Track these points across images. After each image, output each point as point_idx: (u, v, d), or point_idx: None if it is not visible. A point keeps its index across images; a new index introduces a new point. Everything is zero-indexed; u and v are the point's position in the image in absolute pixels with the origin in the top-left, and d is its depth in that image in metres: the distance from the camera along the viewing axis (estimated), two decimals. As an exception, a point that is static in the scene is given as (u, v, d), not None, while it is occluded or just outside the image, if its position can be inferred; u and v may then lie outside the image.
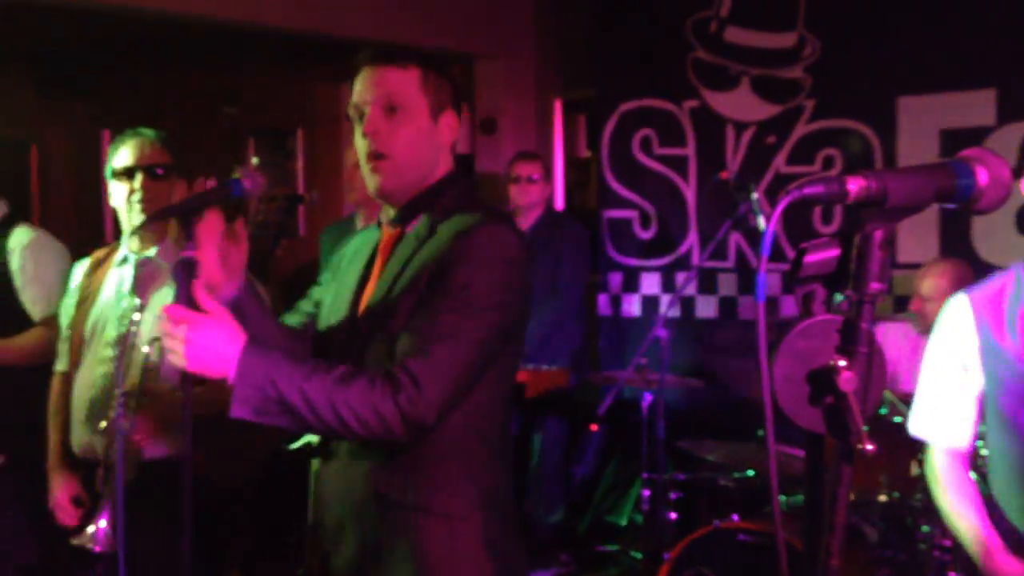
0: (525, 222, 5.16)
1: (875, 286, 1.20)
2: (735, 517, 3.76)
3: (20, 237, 3.42)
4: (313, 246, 5.21)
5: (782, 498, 3.80)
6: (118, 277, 2.96)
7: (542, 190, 5.12)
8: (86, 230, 8.15)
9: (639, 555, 4.96)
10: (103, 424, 2.78)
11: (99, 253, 3.08)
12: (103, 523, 2.70)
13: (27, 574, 3.46)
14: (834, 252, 1.25)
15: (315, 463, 2.19)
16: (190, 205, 1.94)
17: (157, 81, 7.62)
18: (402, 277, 1.99)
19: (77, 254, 3.30)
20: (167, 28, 6.06)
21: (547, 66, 6.46)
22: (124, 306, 2.88)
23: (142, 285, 2.87)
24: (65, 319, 3.05)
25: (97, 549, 2.69)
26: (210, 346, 1.81)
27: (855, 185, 1.21)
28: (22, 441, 3.30)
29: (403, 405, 1.83)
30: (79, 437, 2.94)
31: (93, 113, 7.82)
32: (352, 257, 2.20)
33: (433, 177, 2.07)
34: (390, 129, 2.01)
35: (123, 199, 2.89)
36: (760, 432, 3.95)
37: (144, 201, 2.86)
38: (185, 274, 1.86)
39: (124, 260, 2.97)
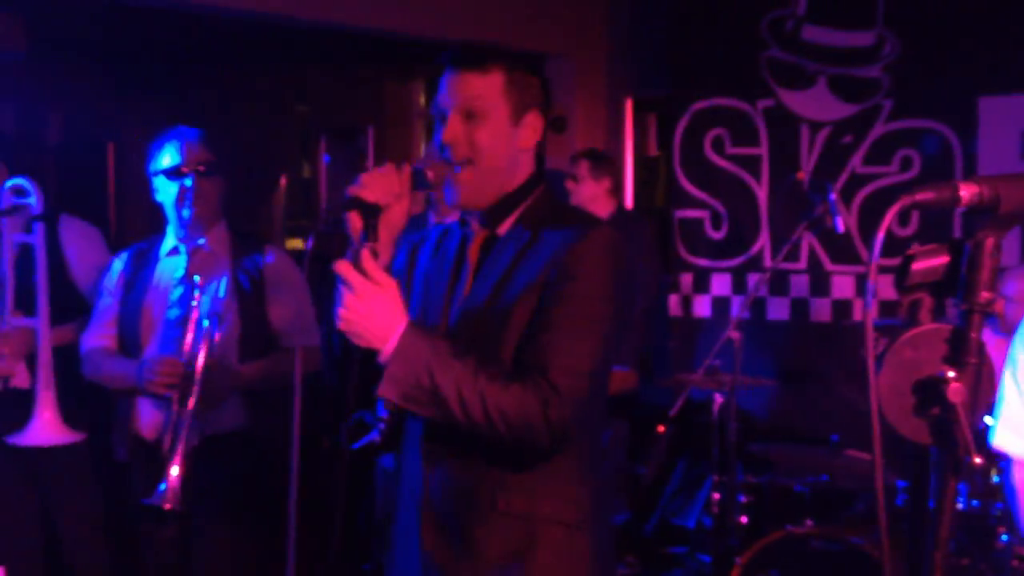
0: None
1: (985, 295, 1.17)
2: (808, 522, 3.72)
3: (70, 226, 3.49)
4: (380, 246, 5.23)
5: (856, 505, 3.75)
6: (170, 266, 3.16)
7: (588, 188, 5.09)
8: (161, 224, 8.26)
9: (707, 558, 4.92)
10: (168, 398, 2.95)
11: (140, 248, 3.26)
12: (174, 479, 2.82)
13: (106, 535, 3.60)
14: (942, 260, 1.22)
15: (390, 460, 2.17)
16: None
17: (230, 80, 7.72)
18: (509, 283, 1.95)
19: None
20: (241, 27, 6.13)
21: (618, 65, 6.43)
22: (181, 290, 3.09)
23: (196, 271, 3.09)
24: (114, 307, 3.20)
25: (167, 507, 2.81)
26: (373, 315, 1.80)
27: (968, 191, 1.18)
28: (98, 418, 3.42)
29: (551, 416, 1.83)
30: (148, 417, 3.07)
31: (168, 111, 7.93)
32: (433, 258, 2.14)
33: (516, 179, 2.04)
34: (468, 136, 1.98)
35: (172, 196, 3.09)
36: (835, 437, 3.89)
37: (196, 198, 3.06)
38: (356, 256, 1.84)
39: (174, 250, 3.16)
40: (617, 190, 5.18)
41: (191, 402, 2.90)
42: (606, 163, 5.13)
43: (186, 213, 3.08)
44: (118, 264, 3.24)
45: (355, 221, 1.86)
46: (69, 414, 3.27)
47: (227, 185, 3.21)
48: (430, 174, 1.94)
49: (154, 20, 6.09)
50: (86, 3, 5.55)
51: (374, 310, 1.80)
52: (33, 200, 3.31)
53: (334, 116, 7.20)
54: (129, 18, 6.11)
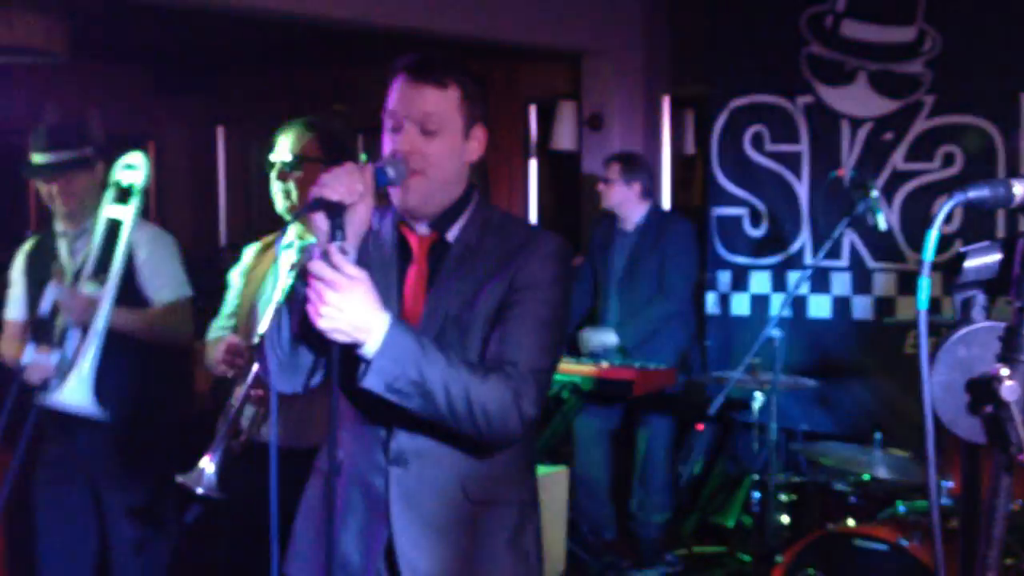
0: (628, 223, 5.12)
1: (1039, 292, 1.16)
2: (850, 522, 3.69)
3: (139, 231, 3.53)
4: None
5: (899, 504, 3.72)
6: (284, 259, 3.10)
7: (618, 192, 5.09)
8: (201, 222, 8.37)
9: (747, 557, 4.91)
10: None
11: (268, 238, 3.22)
12: (211, 467, 2.78)
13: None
14: (995, 257, 1.21)
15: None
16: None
17: (269, 78, 7.78)
18: (467, 288, 2.03)
19: (193, 245, 3.43)
20: (280, 27, 6.18)
21: (656, 62, 6.41)
22: (288, 285, 3.04)
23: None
24: (235, 299, 3.19)
25: (199, 491, 2.77)
26: (352, 309, 1.82)
27: (1022, 189, 1.17)
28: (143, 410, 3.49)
29: (523, 407, 1.96)
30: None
31: (208, 109, 8.01)
32: (372, 253, 2.14)
33: (459, 187, 2.10)
34: (425, 149, 2.01)
35: (282, 189, 3.03)
36: (878, 435, 3.86)
37: (301, 190, 2.99)
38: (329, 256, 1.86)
39: (289, 245, 3.09)
40: (650, 192, 5.16)
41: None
42: (638, 166, 5.12)
43: (291, 205, 3.06)
44: (248, 252, 3.26)
45: (320, 222, 1.88)
46: (106, 396, 3.29)
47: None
48: (391, 172, 1.97)
49: (194, 21, 6.14)
50: (127, 5, 5.60)
51: (353, 304, 1.83)
52: (139, 176, 3.34)
53: (372, 115, 7.22)
54: (170, 19, 6.17)
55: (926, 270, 1.13)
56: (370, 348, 1.85)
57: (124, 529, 3.51)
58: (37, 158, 3.43)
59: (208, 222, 8.40)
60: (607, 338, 5.01)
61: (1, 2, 5.63)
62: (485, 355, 2.01)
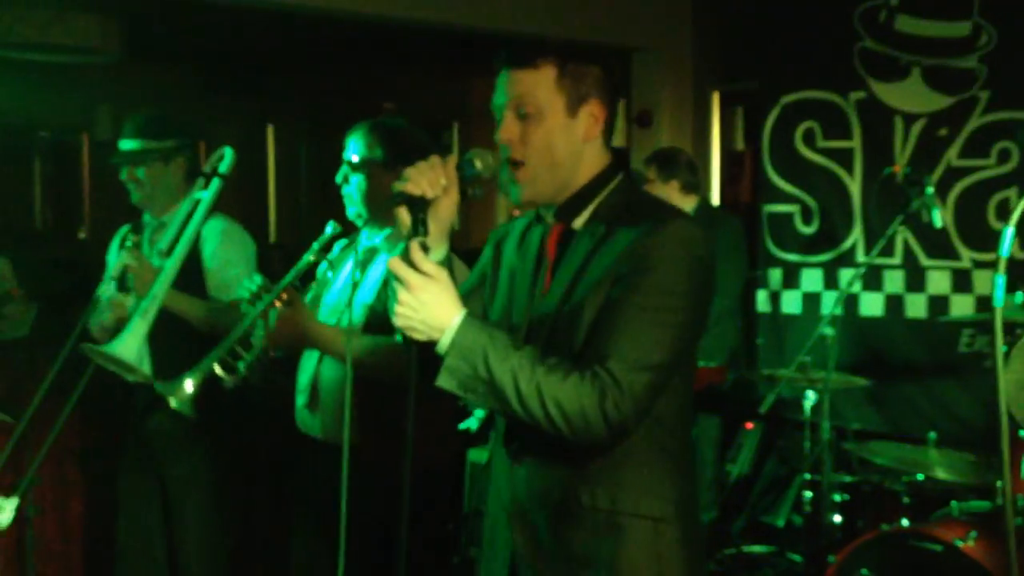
0: None
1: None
2: (904, 522, 3.65)
3: (213, 225, 3.56)
4: (468, 240, 5.27)
5: (954, 504, 3.67)
6: (354, 259, 3.15)
7: (657, 191, 5.06)
8: (250, 220, 8.43)
9: (798, 557, 4.86)
10: None
11: (349, 238, 3.25)
12: (191, 387, 2.83)
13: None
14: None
15: (480, 454, 2.18)
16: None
17: (317, 78, 7.83)
18: (584, 277, 1.94)
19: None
20: (327, 26, 6.22)
21: (705, 58, 6.38)
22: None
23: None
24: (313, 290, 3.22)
25: (171, 403, 2.83)
26: (427, 308, 1.81)
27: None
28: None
29: (608, 408, 1.81)
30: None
31: (257, 109, 8.09)
32: (517, 252, 2.13)
33: (586, 170, 2.02)
34: (523, 135, 1.97)
35: (348, 191, 3.05)
36: (932, 435, 3.82)
37: (369, 191, 3.00)
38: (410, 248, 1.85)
39: (367, 243, 3.11)
40: (693, 186, 5.12)
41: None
42: (674, 163, 5.10)
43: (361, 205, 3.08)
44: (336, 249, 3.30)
45: (403, 216, 1.87)
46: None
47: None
48: (478, 164, 1.94)
49: (244, 21, 6.20)
50: (178, 6, 5.67)
51: (427, 302, 1.81)
52: (223, 164, 3.38)
53: (420, 113, 7.25)
54: (220, 20, 6.23)
55: (1002, 267, 1.11)
56: (443, 346, 1.83)
57: (188, 517, 3.57)
58: (119, 144, 3.52)
59: (257, 220, 8.48)
60: None
61: (58, 3, 5.72)
62: (584, 351, 1.89)
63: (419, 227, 1.86)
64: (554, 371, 1.83)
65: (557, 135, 1.97)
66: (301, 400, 3.11)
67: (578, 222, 2.02)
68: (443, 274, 1.84)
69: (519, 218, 2.22)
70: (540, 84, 1.96)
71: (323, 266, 3.13)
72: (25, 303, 4.69)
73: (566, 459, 1.96)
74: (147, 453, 3.58)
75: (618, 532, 1.94)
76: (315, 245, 3.04)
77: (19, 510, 2.75)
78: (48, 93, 7.05)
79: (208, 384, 3.47)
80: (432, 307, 1.82)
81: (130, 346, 3.16)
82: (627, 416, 1.83)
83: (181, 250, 3.31)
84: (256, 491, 4.05)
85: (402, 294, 1.81)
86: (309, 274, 3.10)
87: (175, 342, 3.42)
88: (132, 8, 6.04)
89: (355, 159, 3.02)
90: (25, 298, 4.70)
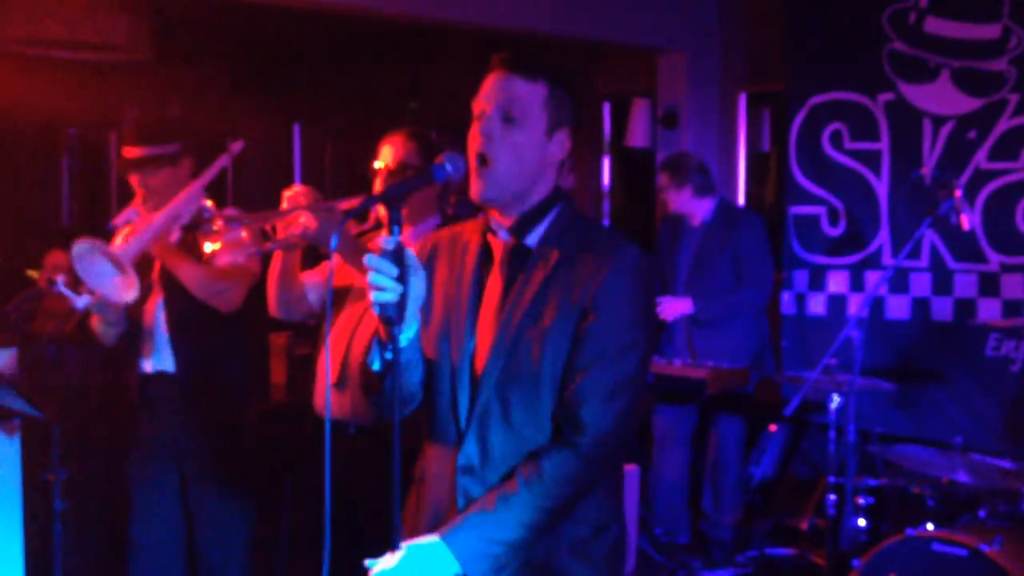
0: (695, 219, 5.13)
1: None
2: (929, 526, 3.63)
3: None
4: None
5: (980, 509, 3.64)
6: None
7: (673, 198, 5.10)
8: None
9: (821, 561, 4.84)
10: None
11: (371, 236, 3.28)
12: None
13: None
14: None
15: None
16: (394, 192, 1.95)
17: (344, 77, 7.86)
18: (546, 302, 2.01)
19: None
20: (354, 25, 6.24)
21: (732, 59, 6.36)
22: None
23: None
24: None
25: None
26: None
27: None
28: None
29: (587, 454, 1.96)
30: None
31: (285, 108, 8.12)
32: (447, 264, 2.16)
33: (540, 190, 2.07)
34: (503, 137, 2.01)
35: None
36: (958, 438, 3.79)
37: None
38: (393, 254, 1.88)
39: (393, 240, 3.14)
40: (707, 187, 5.13)
41: None
42: (683, 168, 5.12)
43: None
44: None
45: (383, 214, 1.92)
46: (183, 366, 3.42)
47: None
48: (448, 167, 1.95)
49: (272, 19, 6.23)
50: (207, 5, 5.70)
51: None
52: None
53: (445, 111, 7.27)
54: (248, 19, 6.26)
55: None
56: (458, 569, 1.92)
57: (206, 510, 3.59)
58: (124, 152, 3.53)
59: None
60: (682, 305, 5.01)
61: (87, 1, 5.76)
62: (564, 375, 1.99)
63: (393, 226, 1.91)
64: (535, 484, 1.94)
65: (531, 148, 2.03)
66: (327, 378, 3.11)
67: (531, 239, 2.07)
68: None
69: (440, 235, 2.24)
70: (531, 95, 2.03)
71: None
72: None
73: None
74: (164, 445, 3.60)
75: (561, 543, 2.05)
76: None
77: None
78: (76, 90, 7.09)
79: (229, 383, 3.50)
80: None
81: (128, 254, 3.21)
82: (605, 449, 1.98)
83: (179, 202, 3.35)
84: (280, 485, 4.07)
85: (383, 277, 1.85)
86: None
87: (195, 335, 3.46)
88: (161, 6, 6.08)
89: (395, 164, 3.08)
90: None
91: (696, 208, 5.12)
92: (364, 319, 3.06)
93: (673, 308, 5.02)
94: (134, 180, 3.51)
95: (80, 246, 3.16)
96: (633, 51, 6.57)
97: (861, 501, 4.05)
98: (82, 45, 5.94)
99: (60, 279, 3.33)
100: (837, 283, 5.38)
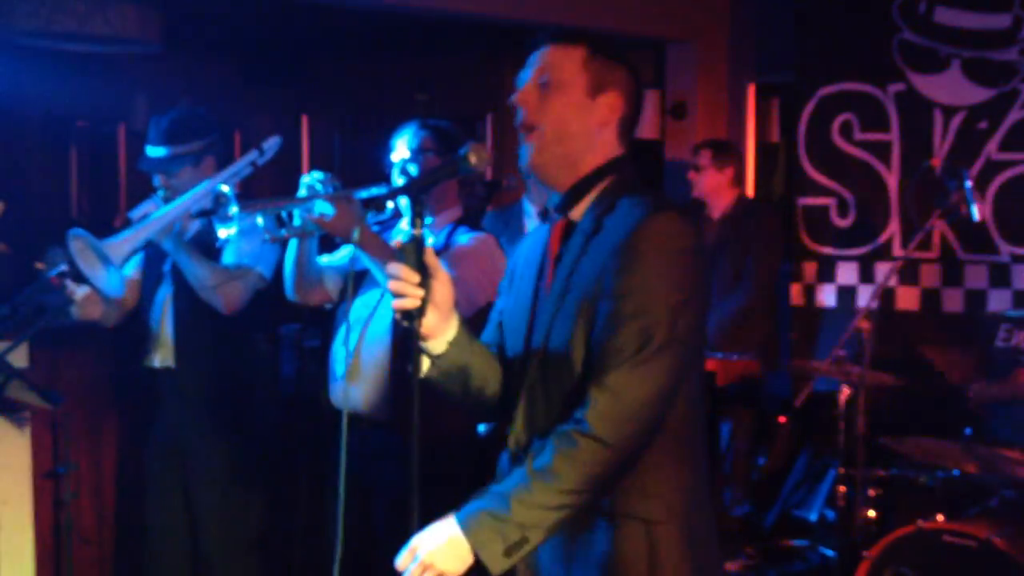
0: (715, 211, 5.10)
1: None
2: (939, 517, 3.62)
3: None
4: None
5: (990, 500, 3.64)
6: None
7: (710, 178, 5.05)
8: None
9: (831, 552, 4.83)
10: None
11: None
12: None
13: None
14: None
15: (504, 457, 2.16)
16: (419, 183, 1.93)
17: (352, 69, 7.84)
18: (576, 275, 1.95)
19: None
20: (363, 17, 6.23)
21: (741, 49, 6.34)
22: None
23: None
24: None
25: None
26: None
27: None
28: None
29: (592, 423, 1.84)
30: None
31: (293, 99, 8.11)
32: (528, 256, 2.14)
33: (594, 158, 2.02)
34: (540, 101, 1.99)
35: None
36: (967, 429, 3.78)
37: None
38: (415, 249, 1.87)
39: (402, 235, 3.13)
40: (740, 179, 5.12)
41: None
42: (729, 152, 5.09)
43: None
44: None
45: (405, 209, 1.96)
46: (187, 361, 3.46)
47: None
48: (472, 159, 1.93)
49: (280, 11, 6.23)
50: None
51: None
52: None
53: (454, 104, 7.25)
54: (257, 12, 6.26)
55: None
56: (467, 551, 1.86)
57: (208, 505, 3.59)
58: (147, 150, 3.54)
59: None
60: None
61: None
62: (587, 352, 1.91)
63: (416, 219, 1.89)
64: (548, 473, 1.84)
65: (572, 110, 1.99)
66: (340, 370, 3.12)
67: (576, 213, 2.02)
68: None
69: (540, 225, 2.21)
70: (567, 59, 1.99)
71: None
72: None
73: None
74: (171, 439, 3.60)
75: (612, 532, 1.94)
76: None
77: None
78: (86, 83, 7.09)
79: (234, 379, 3.49)
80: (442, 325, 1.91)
81: (121, 248, 3.20)
82: (622, 421, 1.85)
83: (191, 195, 3.34)
84: (291, 481, 4.07)
85: (405, 279, 1.85)
86: None
87: (202, 330, 3.47)
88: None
89: (408, 154, 3.08)
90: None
91: (724, 197, 5.08)
92: (377, 309, 3.06)
93: None
94: (162, 179, 3.51)
95: (75, 238, 3.16)
96: (642, 42, 6.55)
97: (871, 492, 4.05)
98: (92, 38, 5.94)
99: (64, 270, 3.34)
100: (846, 274, 5.37)
